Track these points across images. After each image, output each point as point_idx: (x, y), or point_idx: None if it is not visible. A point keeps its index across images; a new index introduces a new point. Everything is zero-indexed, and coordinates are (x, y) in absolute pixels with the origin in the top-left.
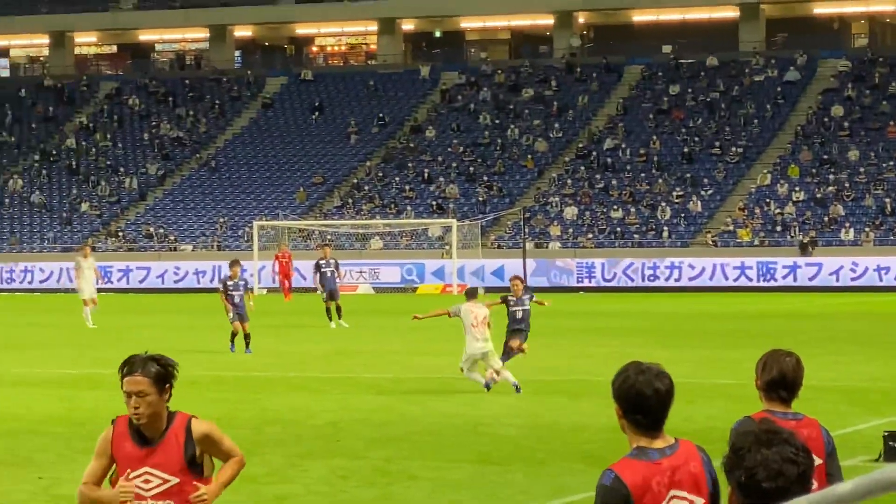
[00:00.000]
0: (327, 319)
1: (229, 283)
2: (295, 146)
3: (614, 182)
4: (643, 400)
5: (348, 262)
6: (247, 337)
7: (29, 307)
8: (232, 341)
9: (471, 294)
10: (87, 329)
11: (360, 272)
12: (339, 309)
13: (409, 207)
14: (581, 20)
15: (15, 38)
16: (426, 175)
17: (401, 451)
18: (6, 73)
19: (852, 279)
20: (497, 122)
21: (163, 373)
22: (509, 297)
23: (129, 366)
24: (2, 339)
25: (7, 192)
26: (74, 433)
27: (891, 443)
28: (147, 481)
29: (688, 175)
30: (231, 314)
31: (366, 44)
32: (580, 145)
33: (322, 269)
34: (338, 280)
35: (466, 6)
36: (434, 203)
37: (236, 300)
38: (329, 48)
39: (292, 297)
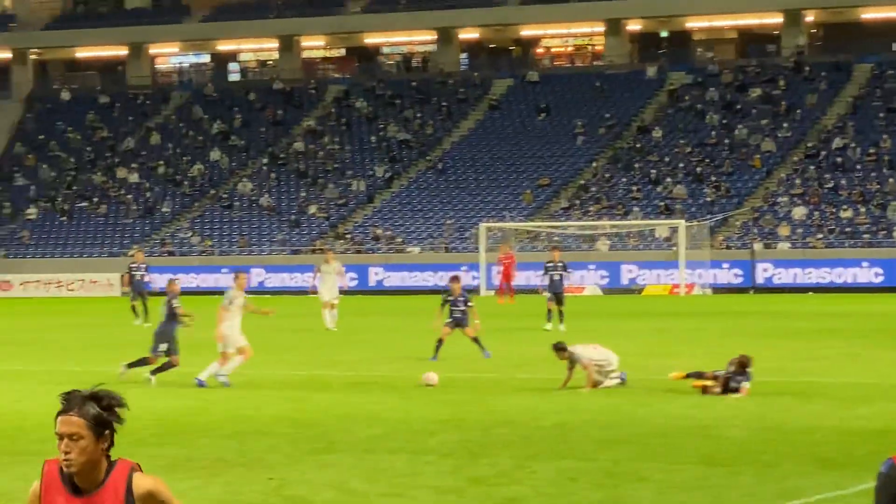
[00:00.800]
0: (546, 320)
1: (449, 298)
2: (521, 147)
3: (844, 181)
4: None
5: (575, 263)
6: (476, 340)
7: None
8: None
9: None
10: (325, 331)
11: (587, 274)
12: (561, 314)
13: (636, 208)
14: (809, 18)
15: (245, 42)
16: (653, 176)
17: (628, 453)
18: (236, 77)
19: None
20: (724, 121)
21: (102, 417)
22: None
23: (66, 402)
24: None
25: (236, 195)
26: (302, 434)
27: None
28: None
29: None
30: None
31: (592, 44)
32: (809, 144)
33: (550, 272)
34: (566, 283)
35: (693, 6)
36: (661, 204)
37: (456, 315)
38: (555, 49)
39: (515, 300)
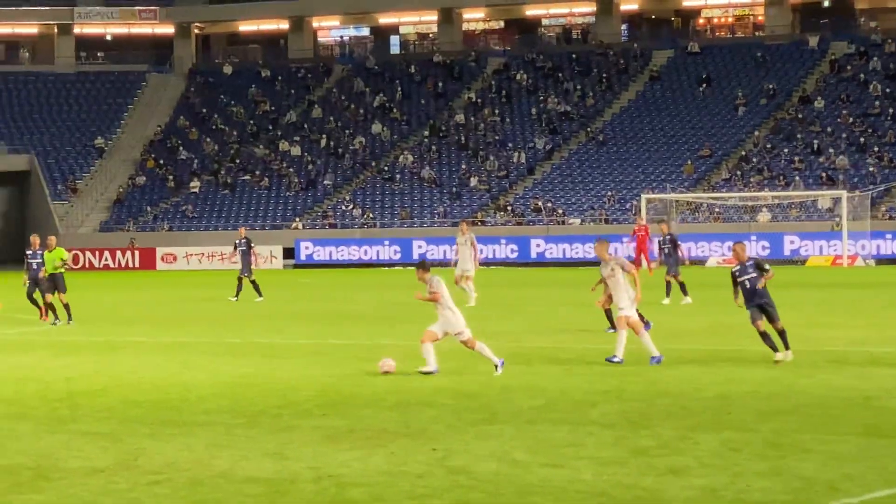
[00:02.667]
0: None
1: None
2: (682, 119)
3: None
4: None
5: (737, 234)
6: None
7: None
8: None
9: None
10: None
11: (749, 245)
12: (668, 286)
13: (797, 179)
14: None
15: (405, 15)
16: (815, 146)
17: (791, 424)
18: (397, 50)
19: None
20: (888, 91)
21: None
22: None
23: None
24: (395, 313)
25: (398, 168)
26: (464, 405)
27: None
28: None
29: None
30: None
31: (753, 15)
32: None
33: (661, 246)
34: (681, 255)
35: None
36: (823, 174)
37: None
38: (716, 20)
39: (653, 272)
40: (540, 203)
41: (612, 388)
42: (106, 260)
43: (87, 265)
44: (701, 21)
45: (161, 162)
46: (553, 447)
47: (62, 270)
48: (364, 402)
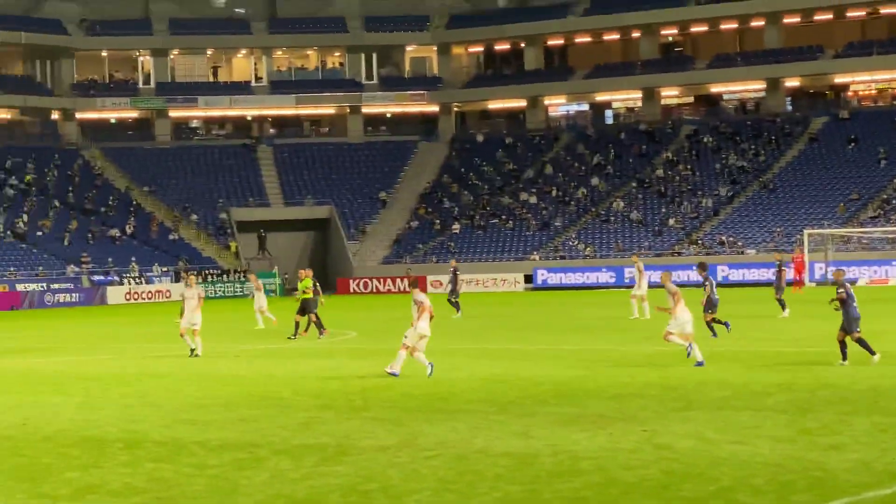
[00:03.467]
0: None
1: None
2: (835, 170)
3: None
4: None
5: (881, 260)
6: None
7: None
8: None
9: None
10: (631, 319)
11: (890, 269)
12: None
13: None
14: None
15: (616, 94)
16: None
17: None
18: (610, 121)
19: None
20: None
21: None
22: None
23: None
24: (610, 325)
25: (612, 212)
26: (667, 395)
27: None
28: None
29: None
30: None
31: (892, 87)
32: None
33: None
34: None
35: None
36: None
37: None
38: (861, 92)
39: (803, 290)
40: (724, 237)
41: (783, 381)
42: (388, 286)
43: (374, 290)
44: (850, 93)
45: (430, 210)
46: (738, 428)
47: (309, 296)
48: (589, 394)
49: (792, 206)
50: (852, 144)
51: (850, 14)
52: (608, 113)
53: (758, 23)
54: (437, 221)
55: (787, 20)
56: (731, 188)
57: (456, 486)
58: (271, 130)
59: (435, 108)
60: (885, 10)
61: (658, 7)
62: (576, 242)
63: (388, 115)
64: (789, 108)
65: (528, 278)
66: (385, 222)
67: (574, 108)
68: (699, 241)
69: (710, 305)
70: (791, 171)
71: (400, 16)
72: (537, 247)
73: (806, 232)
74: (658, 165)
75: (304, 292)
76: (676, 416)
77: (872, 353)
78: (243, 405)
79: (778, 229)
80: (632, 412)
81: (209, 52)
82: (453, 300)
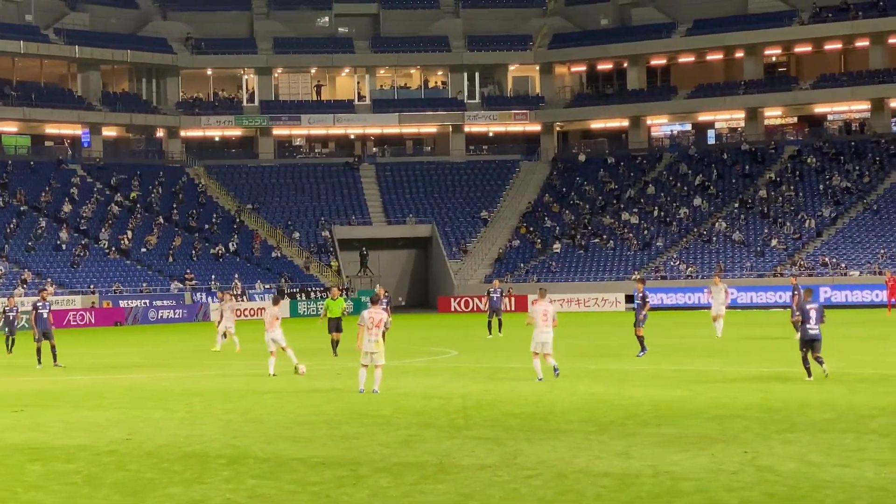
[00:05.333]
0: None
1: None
2: None
3: None
4: None
5: None
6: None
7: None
8: None
9: (373, 300)
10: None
11: None
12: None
13: None
14: None
15: (719, 114)
16: None
17: None
18: (712, 141)
19: None
20: None
21: None
22: None
23: None
24: (714, 345)
25: (714, 232)
26: (770, 417)
27: None
28: None
29: None
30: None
31: None
32: None
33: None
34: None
35: None
36: None
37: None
38: None
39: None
40: (827, 259)
41: (888, 404)
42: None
43: (475, 308)
44: None
45: (531, 229)
46: (841, 451)
47: (338, 315)
48: (690, 414)
49: (895, 228)
50: None
51: None
52: (710, 133)
53: (862, 43)
54: (539, 241)
55: (892, 40)
56: (835, 209)
57: None
58: (374, 149)
59: (537, 128)
60: None
61: (762, 27)
62: (677, 262)
63: (490, 134)
64: (894, 129)
65: (629, 298)
66: (486, 241)
67: (676, 128)
68: (801, 263)
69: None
70: (895, 193)
71: (502, 35)
72: (639, 267)
73: None
74: (761, 186)
75: (343, 309)
76: (779, 438)
77: None
78: (345, 422)
79: (882, 251)
80: (734, 433)
81: (313, 70)
82: (493, 319)
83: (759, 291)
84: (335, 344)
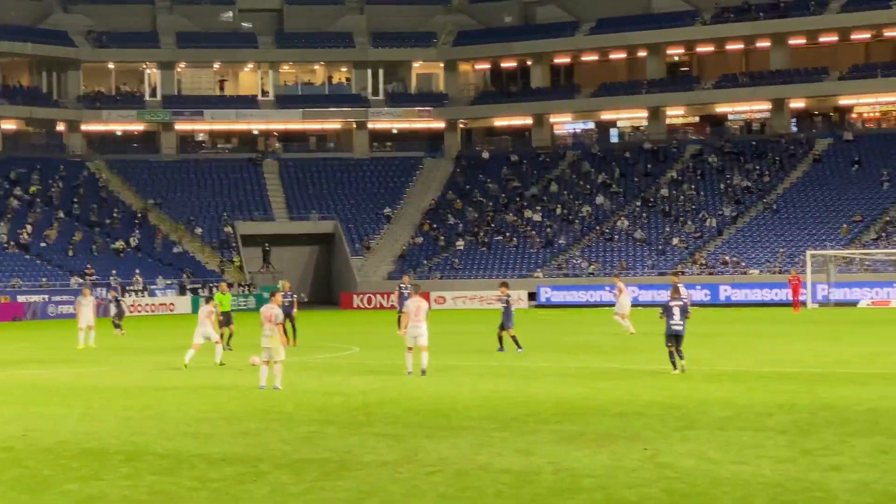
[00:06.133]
0: None
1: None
2: (839, 192)
3: None
4: None
5: (883, 282)
6: None
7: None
8: None
9: (272, 295)
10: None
11: (891, 290)
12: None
13: None
14: None
15: (622, 112)
16: None
17: None
18: (615, 140)
19: None
20: None
21: None
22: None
23: None
24: (614, 343)
25: (616, 230)
26: (670, 415)
27: None
28: None
29: None
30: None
31: (895, 109)
32: None
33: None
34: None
35: None
36: None
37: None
38: (865, 114)
39: (800, 311)
40: (727, 257)
41: (784, 402)
42: (391, 301)
43: (378, 305)
44: (854, 115)
45: (434, 226)
46: (739, 448)
47: (228, 309)
48: (591, 412)
49: (795, 227)
50: (856, 166)
51: (854, 36)
52: (613, 131)
53: (763, 44)
54: (442, 238)
55: (792, 42)
56: (735, 208)
57: (456, 502)
58: (277, 145)
59: (441, 125)
60: (889, 33)
61: (665, 27)
62: (580, 260)
63: (394, 131)
64: (794, 129)
65: (532, 296)
66: (389, 238)
67: (580, 126)
68: (702, 261)
69: None
70: (795, 192)
71: (407, 32)
72: (541, 264)
73: (809, 253)
74: (663, 185)
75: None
76: (678, 436)
77: None
78: (246, 419)
79: (781, 250)
80: (634, 431)
81: (216, 65)
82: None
83: (661, 290)
84: (229, 337)
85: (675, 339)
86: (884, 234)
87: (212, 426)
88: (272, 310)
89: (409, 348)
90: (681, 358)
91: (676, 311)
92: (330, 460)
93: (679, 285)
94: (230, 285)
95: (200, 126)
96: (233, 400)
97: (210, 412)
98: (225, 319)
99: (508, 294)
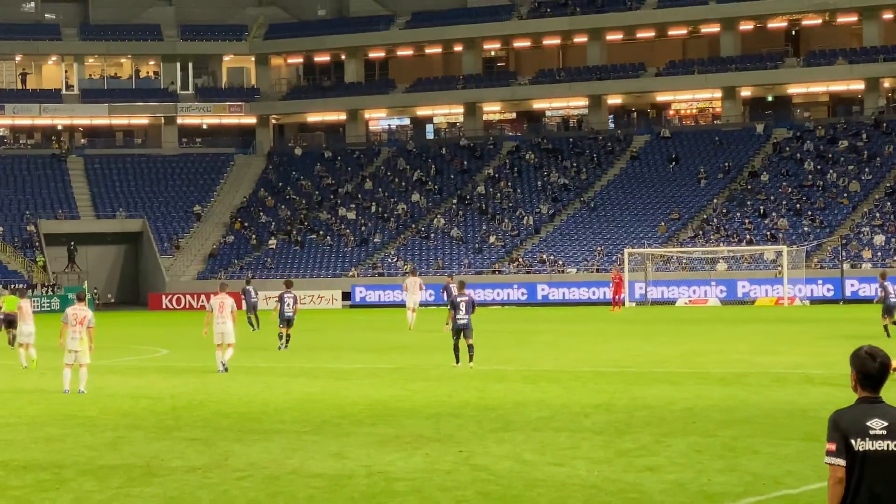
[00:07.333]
0: None
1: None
2: (656, 189)
3: None
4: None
5: (700, 280)
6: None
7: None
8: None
9: (79, 297)
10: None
11: (709, 289)
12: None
13: (748, 236)
14: (886, 85)
15: (438, 108)
16: (762, 211)
17: (744, 431)
18: (431, 136)
19: None
20: (818, 167)
21: None
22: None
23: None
24: (430, 343)
25: (433, 228)
26: (485, 416)
27: None
28: None
29: None
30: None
31: (712, 107)
32: (887, 185)
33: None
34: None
35: (794, 76)
36: (768, 233)
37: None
38: (683, 111)
39: (621, 310)
40: (544, 256)
41: (602, 402)
42: (202, 302)
43: (187, 306)
44: (671, 112)
45: (246, 224)
46: (555, 449)
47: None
48: (405, 414)
49: (613, 225)
50: (673, 163)
51: (671, 32)
52: (429, 128)
53: (580, 39)
54: (254, 236)
55: (609, 37)
56: (553, 206)
57: None
58: (82, 140)
59: (252, 120)
60: (705, 30)
61: (481, 21)
62: (395, 259)
63: (204, 127)
64: (611, 125)
65: (347, 295)
66: (199, 237)
67: (395, 122)
68: (519, 260)
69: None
70: (612, 190)
71: (217, 24)
72: (356, 263)
73: (626, 251)
74: (479, 182)
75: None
76: (494, 437)
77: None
78: (48, 424)
79: (599, 248)
80: (449, 432)
81: (18, 57)
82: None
83: (477, 289)
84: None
85: (462, 331)
86: (701, 232)
87: (11, 432)
88: (83, 311)
89: (218, 345)
90: (470, 351)
91: (463, 305)
92: (136, 466)
93: (461, 282)
94: (33, 287)
95: (1, 121)
96: (34, 405)
97: (9, 417)
98: (8, 320)
99: (293, 292)
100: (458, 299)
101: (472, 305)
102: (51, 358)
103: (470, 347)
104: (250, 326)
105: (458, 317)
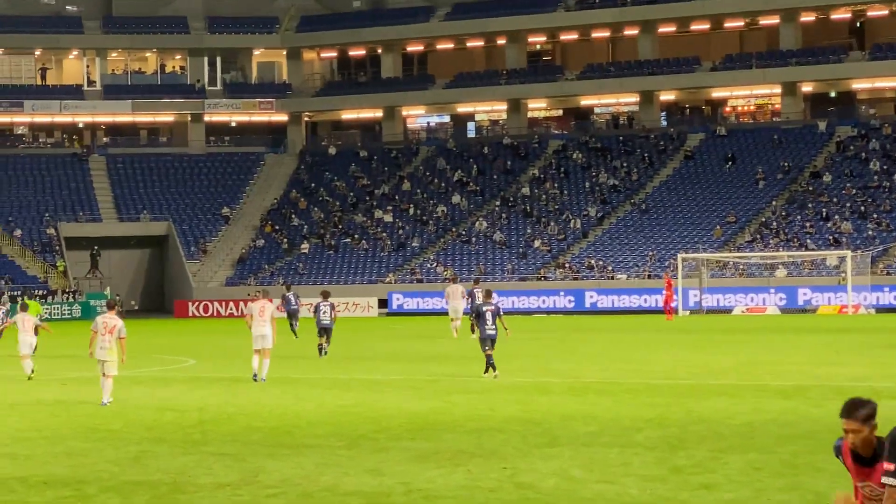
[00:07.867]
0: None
1: None
2: (712, 190)
3: None
4: None
5: (758, 287)
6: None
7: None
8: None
9: (109, 306)
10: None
11: (768, 296)
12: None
13: (809, 241)
14: None
15: (479, 105)
16: (824, 214)
17: (805, 447)
18: (472, 134)
19: None
20: (885, 167)
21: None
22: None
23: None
24: (471, 353)
25: (474, 232)
26: (530, 430)
27: None
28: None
29: None
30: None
31: (771, 104)
32: None
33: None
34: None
35: (858, 70)
36: (831, 237)
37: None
38: (740, 108)
39: (674, 318)
40: (592, 261)
41: (654, 416)
42: (231, 309)
43: (215, 313)
44: (727, 109)
45: (277, 227)
46: (605, 466)
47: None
48: (446, 428)
49: (665, 229)
50: (729, 163)
51: (727, 25)
52: (471, 126)
53: (631, 31)
54: (285, 240)
55: (662, 29)
56: (601, 208)
57: None
58: (104, 139)
59: (283, 118)
60: (763, 21)
61: (525, 12)
62: (434, 264)
63: (233, 125)
64: (664, 123)
65: (383, 303)
66: (228, 240)
67: (434, 119)
68: (566, 265)
69: None
70: (665, 191)
71: (246, 17)
72: (393, 269)
73: (680, 256)
74: (523, 183)
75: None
76: (540, 453)
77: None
78: (70, 438)
79: (650, 253)
80: (492, 448)
81: (37, 52)
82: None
83: (522, 296)
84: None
85: (490, 342)
86: (759, 237)
87: (31, 446)
88: (113, 320)
89: (256, 350)
90: (493, 367)
91: (489, 315)
92: (162, 482)
93: (488, 290)
94: (53, 293)
95: (20, 118)
96: (54, 417)
97: (29, 430)
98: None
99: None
100: (484, 308)
101: (496, 315)
102: (64, 369)
103: (489, 357)
104: (293, 334)
105: (486, 327)
